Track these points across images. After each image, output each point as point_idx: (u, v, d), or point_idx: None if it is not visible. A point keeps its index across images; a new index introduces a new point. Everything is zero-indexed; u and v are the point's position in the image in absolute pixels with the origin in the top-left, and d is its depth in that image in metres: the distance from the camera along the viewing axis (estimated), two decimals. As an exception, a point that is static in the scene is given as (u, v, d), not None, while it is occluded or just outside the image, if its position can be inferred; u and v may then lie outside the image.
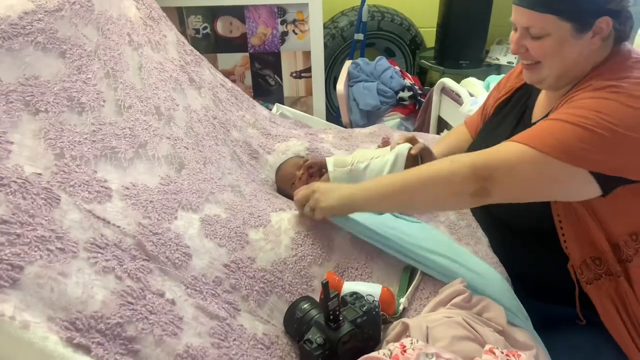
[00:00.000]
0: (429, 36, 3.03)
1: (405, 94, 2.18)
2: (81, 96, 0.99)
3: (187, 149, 1.15)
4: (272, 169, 1.41)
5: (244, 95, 1.62)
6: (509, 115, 1.11)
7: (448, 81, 1.80)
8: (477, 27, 2.69)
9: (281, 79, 2.19)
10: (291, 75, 2.19)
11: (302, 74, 2.18)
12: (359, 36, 2.59)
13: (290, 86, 2.21)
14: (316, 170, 1.23)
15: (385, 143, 1.27)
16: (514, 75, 1.17)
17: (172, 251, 0.87)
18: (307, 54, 2.13)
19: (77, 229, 0.76)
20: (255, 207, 1.11)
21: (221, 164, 1.21)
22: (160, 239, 0.87)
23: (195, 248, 0.91)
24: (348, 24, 2.78)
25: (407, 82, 2.26)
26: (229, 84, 1.58)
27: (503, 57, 2.74)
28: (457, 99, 1.77)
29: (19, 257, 0.66)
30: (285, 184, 1.25)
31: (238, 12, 2.06)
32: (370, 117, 2.16)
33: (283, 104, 2.00)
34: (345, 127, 2.15)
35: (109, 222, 0.82)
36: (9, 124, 0.81)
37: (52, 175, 0.81)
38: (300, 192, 1.05)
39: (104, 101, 1.04)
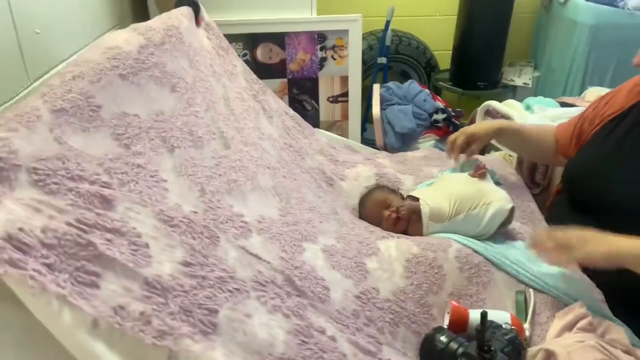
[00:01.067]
0: (442, 59, 3.12)
1: (440, 116, 2.23)
2: (197, 130, 0.98)
3: (286, 177, 1.15)
4: (348, 196, 1.41)
5: (304, 122, 1.63)
6: (630, 133, 1.12)
7: (494, 103, 1.85)
8: (494, 49, 2.79)
9: (318, 103, 2.21)
10: (328, 99, 2.21)
11: (339, 99, 2.21)
12: (382, 60, 2.64)
13: (326, 110, 2.23)
14: (406, 216, 1.24)
15: (482, 174, 1.28)
16: (624, 92, 1.20)
17: (314, 285, 0.86)
18: (344, 79, 2.16)
19: (240, 267, 0.75)
20: (360, 235, 1.11)
21: (314, 191, 1.21)
22: (302, 273, 0.87)
23: (329, 280, 0.91)
24: (367, 48, 2.83)
25: (440, 104, 2.31)
26: (291, 111, 1.59)
27: (518, 78, 2.84)
28: (504, 118, 1.82)
29: (211, 300, 0.65)
30: (371, 221, 1.25)
31: (278, 39, 2.08)
32: (406, 139, 2.20)
33: (319, 128, 2.02)
34: (379, 149, 2.18)
35: (260, 259, 0.81)
36: (158, 162, 0.80)
37: (204, 212, 0.80)
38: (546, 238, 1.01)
39: (214, 134, 1.04)
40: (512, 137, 1.43)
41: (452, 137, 1.42)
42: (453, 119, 2.26)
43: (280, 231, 0.92)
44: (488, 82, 2.83)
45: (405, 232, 1.23)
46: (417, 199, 1.26)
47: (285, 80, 2.14)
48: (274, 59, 2.09)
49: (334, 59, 2.13)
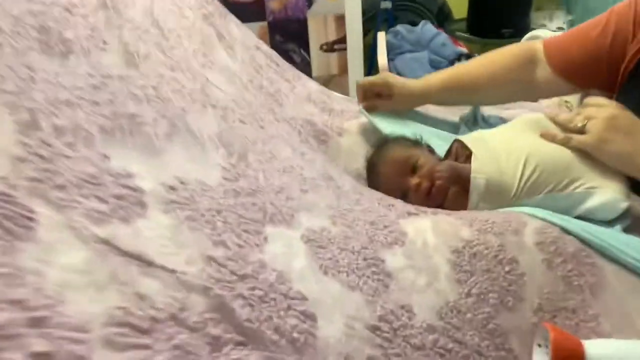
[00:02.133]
0: (457, 6, 2.64)
1: (464, 63, 1.76)
2: (64, 30, 0.53)
3: (244, 123, 0.70)
4: (350, 156, 0.96)
5: (285, 63, 1.17)
6: None
7: (543, 32, 1.39)
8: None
9: (308, 53, 1.74)
10: (321, 48, 1.74)
11: (335, 46, 1.74)
12: (386, 4, 2.17)
13: (320, 62, 1.77)
14: (445, 186, 0.78)
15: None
16: None
17: (283, 314, 0.41)
18: (340, 20, 1.69)
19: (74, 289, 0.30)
20: (371, 211, 0.66)
21: (295, 147, 0.75)
22: (254, 289, 0.42)
23: (315, 300, 0.46)
24: (367, -5, 2.35)
25: (463, 49, 1.84)
26: (265, 47, 1.13)
27: (550, 22, 2.36)
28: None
29: None
30: (389, 192, 0.79)
31: (252, -32, 1.61)
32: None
33: (313, 84, 1.55)
34: (388, 110, 1.70)
35: (150, 263, 0.36)
36: None
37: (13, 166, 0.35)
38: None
39: (104, 42, 0.58)
40: (456, 94, 1.01)
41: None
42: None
43: (217, 207, 0.47)
44: (514, 30, 2.35)
45: (439, 207, 0.78)
46: (468, 154, 0.80)
47: (265, 23, 1.68)
48: (248, -4, 1.62)
49: (326, -8, 1.65)
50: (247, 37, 1.09)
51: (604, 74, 0.87)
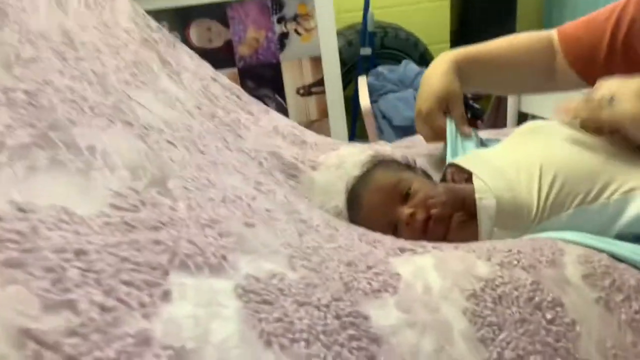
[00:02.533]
0: (438, 53, 2.57)
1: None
2: None
3: (174, 145, 0.53)
4: (324, 193, 0.78)
5: (249, 97, 1.02)
6: None
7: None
8: (502, 30, 2.25)
9: (284, 98, 1.62)
10: (297, 92, 1.62)
11: (312, 89, 1.62)
12: (366, 51, 2.09)
13: (297, 108, 1.64)
14: (446, 214, 0.61)
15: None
16: None
17: None
18: (316, 61, 1.58)
19: None
20: (350, 249, 0.47)
21: (251, 177, 0.58)
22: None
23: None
24: (345, 44, 2.28)
25: (450, 85, 1.73)
26: (224, 79, 0.99)
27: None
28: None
29: None
30: (375, 227, 0.60)
31: (218, 14, 1.52)
32: (409, 134, 1.59)
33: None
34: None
35: None
36: None
37: None
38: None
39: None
40: (478, 69, 0.87)
41: (418, 106, 0.82)
42: (470, 102, 1.67)
43: (79, 246, 0.29)
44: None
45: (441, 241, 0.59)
46: (467, 177, 0.63)
47: (235, 70, 1.56)
48: (215, 42, 1.52)
49: (299, 33, 1.55)
50: (201, 68, 0.95)
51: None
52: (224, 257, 0.37)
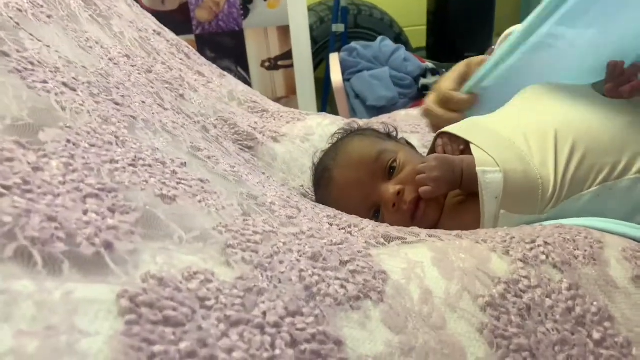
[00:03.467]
0: (414, 36, 2.47)
1: (430, 80, 1.51)
2: None
3: (73, 89, 0.37)
4: (287, 169, 0.64)
5: (203, 59, 0.86)
6: None
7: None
8: (482, 10, 2.16)
9: (247, 72, 1.46)
10: (262, 65, 1.47)
11: (280, 63, 1.47)
12: (339, 27, 1.94)
13: (262, 82, 1.48)
14: (441, 188, 0.48)
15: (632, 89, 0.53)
16: None
17: None
18: (283, 31, 1.42)
19: None
20: (317, 236, 0.33)
21: (182, 137, 0.43)
22: None
23: None
24: (317, 21, 2.13)
25: (429, 64, 1.60)
26: (171, 35, 0.83)
27: (514, 44, 2.20)
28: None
29: None
30: (350, 210, 0.47)
31: (173, -29, 1.34)
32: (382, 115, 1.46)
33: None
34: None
35: None
36: None
37: None
38: None
39: None
40: None
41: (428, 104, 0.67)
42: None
43: None
44: (477, 52, 2.17)
45: (432, 227, 0.46)
46: (463, 148, 0.50)
47: (192, 37, 1.39)
48: (168, 4, 1.34)
49: (265, -1, 1.40)
50: (142, 19, 0.78)
51: None
52: (107, 246, 0.22)
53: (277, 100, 1.52)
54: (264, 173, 0.58)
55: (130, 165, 0.31)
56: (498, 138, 0.48)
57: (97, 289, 0.20)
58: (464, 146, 0.50)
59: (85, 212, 0.24)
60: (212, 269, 0.24)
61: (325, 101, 1.98)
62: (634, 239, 0.38)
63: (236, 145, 0.61)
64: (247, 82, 1.46)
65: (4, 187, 0.22)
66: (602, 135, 0.46)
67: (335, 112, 1.65)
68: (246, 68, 1.45)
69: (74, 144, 0.30)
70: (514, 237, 0.36)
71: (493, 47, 1.17)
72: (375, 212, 0.49)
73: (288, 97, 1.52)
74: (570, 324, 0.30)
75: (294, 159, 0.65)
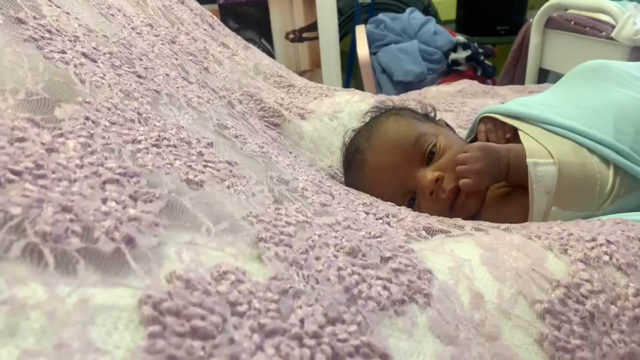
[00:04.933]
0: (444, 9, 2.38)
1: (461, 55, 1.45)
2: None
3: (94, 60, 0.35)
4: (314, 148, 0.61)
5: (228, 30, 0.83)
6: None
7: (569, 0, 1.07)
8: (515, -20, 2.05)
9: (271, 43, 1.42)
10: (287, 37, 1.42)
11: (304, 35, 1.42)
12: (366, -2, 1.87)
13: (286, 55, 1.44)
14: (485, 178, 0.43)
15: None
16: None
17: None
18: (309, 2, 1.37)
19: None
20: (353, 226, 0.30)
21: (208, 113, 0.40)
22: None
23: None
24: (343, -8, 2.06)
25: (460, 37, 1.53)
26: (195, 4, 0.79)
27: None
28: (583, 28, 1.05)
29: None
30: (385, 196, 0.44)
31: (197, -64, 1.28)
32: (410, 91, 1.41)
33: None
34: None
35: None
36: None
37: None
38: None
39: None
40: None
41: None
42: (480, 58, 1.49)
43: None
44: (510, 26, 2.08)
45: (472, 218, 0.43)
46: (510, 137, 0.47)
47: (216, 6, 1.35)
48: (193, -29, 1.29)
49: (291, -33, 1.34)
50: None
51: None
52: (128, 241, 0.19)
53: (301, 73, 1.48)
54: (291, 152, 0.55)
55: (154, 145, 0.29)
56: (550, 125, 0.44)
57: (117, 294, 0.17)
58: (511, 133, 0.46)
59: (104, 201, 0.21)
60: (243, 267, 0.21)
61: (350, 75, 1.93)
62: None
63: (262, 122, 0.58)
64: (271, 55, 1.42)
65: (14, 172, 0.20)
66: None
67: (360, 86, 1.60)
68: (270, 40, 1.41)
69: (93, 122, 0.28)
70: (572, 234, 0.32)
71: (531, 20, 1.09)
72: (410, 199, 0.46)
73: (312, 70, 1.47)
74: (638, 334, 0.27)
75: (321, 138, 0.61)
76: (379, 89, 1.48)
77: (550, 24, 1.16)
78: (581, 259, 0.30)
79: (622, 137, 0.41)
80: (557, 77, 1.22)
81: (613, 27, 0.99)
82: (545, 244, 0.32)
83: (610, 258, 0.30)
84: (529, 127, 0.44)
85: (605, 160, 0.40)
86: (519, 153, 0.42)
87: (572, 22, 1.10)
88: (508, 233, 0.34)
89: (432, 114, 0.54)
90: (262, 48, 1.41)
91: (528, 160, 0.41)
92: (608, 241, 0.32)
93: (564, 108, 0.46)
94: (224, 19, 1.36)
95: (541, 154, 0.41)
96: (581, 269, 0.29)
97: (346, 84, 1.93)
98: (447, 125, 0.54)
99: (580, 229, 0.33)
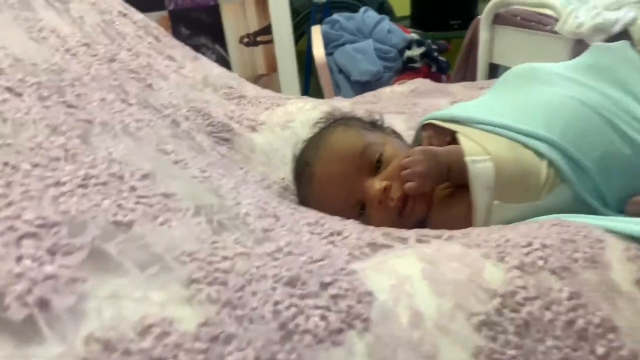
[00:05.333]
0: (399, 4, 2.40)
1: (415, 52, 1.47)
2: None
3: (18, 94, 0.33)
4: (267, 161, 0.60)
5: (175, 41, 0.81)
6: None
7: (513, -6, 1.10)
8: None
9: (225, 49, 1.40)
10: (241, 41, 1.41)
11: (259, 38, 1.41)
12: (320, -2, 1.87)
13: (241, 59, 1.43)
14: (428, 181, 0.44)
15: None
16: None
17: None
18: (262, 4, 1.36)
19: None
20: (296, 250, 0.30)
21: (147, 139, 0.39)
22: None
23: None
24: (298, -9, 2.06)
25: (413, 35, 1.55)
26: (138, 15, 0.77)
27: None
28: (528, 23, 1.08)
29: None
30: (335, 208, 0.44)
31: (141, -57, 1.25)
32: (369, 90, 1.42)
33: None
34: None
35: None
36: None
37: None
38: None
39: None
40: None
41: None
42: (434, 55, 1.51)
43: None
44: (462, 20, 2.12)
45: (419, 227, 0.44)
46: (450, 140, 0.47)
47: (165, 13, 1.32)
48: (139, -21, 1.26)
49: (240, -30, 1.33)
50: (106, 0, 0.73)
51: None
52: (42, 305, 0.19)
53: (258, 77, 1.47)
54: (242, 168, 0.54)
55: (80, 186, 0.28)
56: (486, 125, 0.46)
57: (27, 362, 0.17)
58: (450, 137, 0.48)
59: (18, 260, 0.20)
60: (170, 316, 0.21)
61: (309, 76, 1.93)
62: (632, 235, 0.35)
63: (211, 137, 0.57)
64: (225, 60, 1.40)
65: None
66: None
67: (319, 86, 1.60)
68: (224, 45, 1.39)
69: (12, 167, 0.26)
70: (509, 240, 0.33)
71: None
72: (361, 209, 0.46)
73: (269, 74, 1.46)
74: (571, 339, 0.28)
75: (274, 149, 0.61)
76: (337, 90, 1.48)
77: (498, 20, 1.19)
78: (517, 265, 0.31)
79: (552, 130, 0.43)
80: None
81: (557, 20, 1.02)
82: (484, 253, 0.32)
83: (545, 262, 0.31)
84: (466, 129, 0.46)
85: (539, 153, 0.42)
86: (458, 153, 0.43)
87: (519, 18, 1.13)
88: (449, 243, 0.34)
89: (380, 122, 0.55)
90: (216, 54, 1.39)
91: (466, 158, 0.42)
92: (543, 245, 0.33)
93: (498, 109, 0.48)
94: (174, 26, 1.34)
95: (478, 152, 0.42)
96: (517, 276, 0.30)
97: (305, 85, 1.92)
98: (394, 132, 0.55)
99: (518, 233, 0.34)
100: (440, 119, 0.49)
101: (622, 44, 0.50)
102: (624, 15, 1.04)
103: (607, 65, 0.48)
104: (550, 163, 0.41)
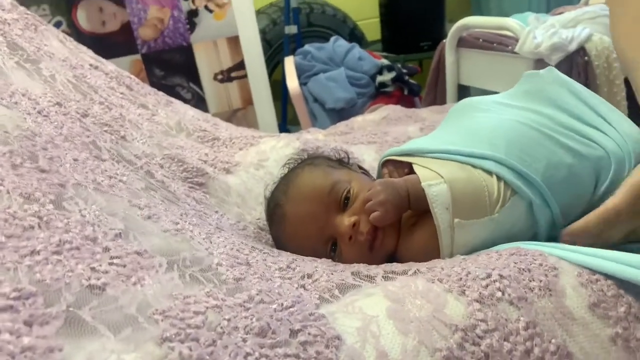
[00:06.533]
0: (369, 29, 2.48)
1: (386, 77, 1.51)
2: None
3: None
4: (242, 202, 0.62)
5: (148, 87, 0.83)
6: None
7: (473, 20, 1.15)
8: (431, 1, 2.18)
9: (200, 86, 1.42)
10: (216, 78, 1.43)
11: (233, 74, 1.43)
12: (292, 29, 1.92)
13: (217, 95, 1.45)
14: (391, 213, 0.46)
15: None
16: None
17: None
18: (233, 42, 1.39)
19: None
20: (266, 299, 0.31)
21: (119, 194, 0.40)
22: None
23: None
24: (270, 24, 2.11)
25: (384, 61, 1.60)
26: (110, 67, 0.79)
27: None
28: (490, 45, 1.13)
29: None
30: (308, 246, 0.47)
31: (111, -10, 1.29)
32: (344, 117, 1.45)
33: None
34: (310, 142, 1.40)
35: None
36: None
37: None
38: None
39: None
40: None
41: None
42: (405, 78, 1.55)
43: None
44: (432, 42, 2.19)
45: (390, 259, 0.46)
46: (408, 171, 0.50)
47: (138, 56, 1.35)
48: (110, 25, 1.29)
49: (210, 10, 1.36)
50: (77, 54, 0.75)
51: None
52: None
53: (234, 112, 1.50)
54: (217, 212, 0.56)
55: (54, 252, 0.29)
56: (438, 153, 0.49)
57: None
58: (408, 169, 0.50)
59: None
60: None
61: (285, 107, 1.96)
62: (581, 264, 0.37)
63: (186, 183, 0.59)
64: (201, 97, 1.43)
65: None
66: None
67: (296, 117, 1.63)
68: (198, 83, 1.41)
69: None
70: (469, 273, 0.35)
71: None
72: (333, 245, 0.48)
73: (245, 108, 1.49)
74: (531, 366, 0.30)
75: (248, 190, 0.63)
76: (313, 118, 1.51)
77: (462, 43, 1.24)
78: (477, 298, 0.33)
79: (497, 149, 0.46)
80: (479, 91, 1.30)
81: (518, 41, 1.07)
82: (446, 287, 0.34)
83: (503, 294, 0.33)
84: (421, 160, 0.48)
85: (487, 170, 0.44)
86: (415, 181, 0.45)
87: (481, 40, 1.18)
88: (414, 278, 0.36)
89: (346, 160, 0.57)
90: (191, 92, 1.41)
91: (423, 184, 0.44)
92: (501, 276, 0.35)
93: (447, 138, 0.51)
94: (148, 68, 1.36)
95: (433, 177, 0.45)
96: (477, 309, 0.32)
97: (283, 114, 1.96)
98: (361, 168, 0.57)
99: (478, 265, 0.36)
100: (397, 154, 0.52)
101: (549, 69, 0.54)
102: (579, 33, 1.10)
103: (539, 88, 0.52)
104: (499, 178, 0.44)
